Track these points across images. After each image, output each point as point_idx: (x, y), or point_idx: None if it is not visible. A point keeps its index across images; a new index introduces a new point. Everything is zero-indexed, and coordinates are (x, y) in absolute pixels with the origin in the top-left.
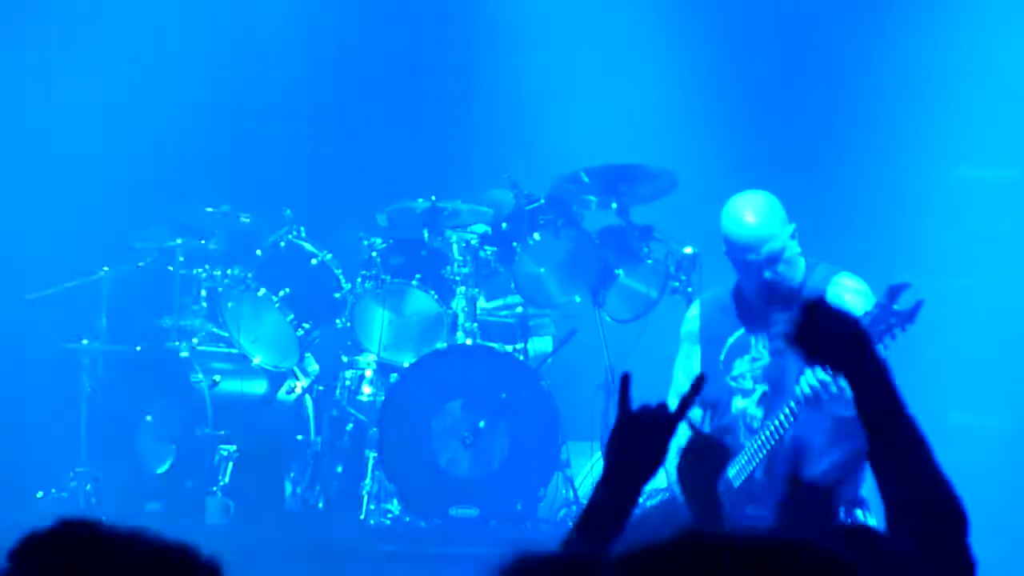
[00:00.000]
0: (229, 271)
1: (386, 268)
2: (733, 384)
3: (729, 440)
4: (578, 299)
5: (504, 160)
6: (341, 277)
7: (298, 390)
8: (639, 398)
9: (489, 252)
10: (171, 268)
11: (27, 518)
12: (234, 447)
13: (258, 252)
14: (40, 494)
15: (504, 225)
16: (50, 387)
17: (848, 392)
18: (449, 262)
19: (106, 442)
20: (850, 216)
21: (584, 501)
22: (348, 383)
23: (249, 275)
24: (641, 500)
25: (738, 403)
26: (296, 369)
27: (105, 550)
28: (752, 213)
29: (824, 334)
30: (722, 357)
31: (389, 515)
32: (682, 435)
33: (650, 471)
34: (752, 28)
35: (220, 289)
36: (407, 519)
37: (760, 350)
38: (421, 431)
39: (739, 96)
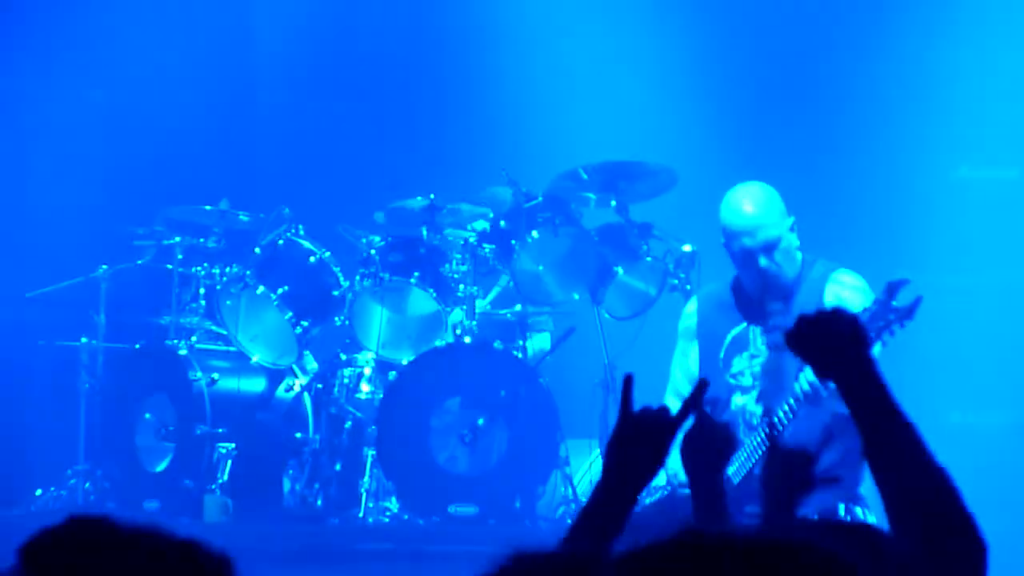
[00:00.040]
0: (228, 269)
1: (385, 266)
2: (732, 381)
3: None
4: (577, 297)
5: (502, 158)
6: (340, 275)
7: (296, 388)
8: (638, 396)
9: (488, 250)
10: (170, 266)
11: (26, 516)
12: (232, 445)
13: (256, 250)
14: (39, 492)
15: (503, 223)
16: (49, 385)
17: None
18: (448, 260)
19: (104, 440)
20: (850, 215)
21: (583, 499)
22: (347, 381)
23: (247, 273)
24: (641, 497)
25: (737, 400)
26: (294, 367)
27: (116, 546)
28: (750, 202)
29: (821, 335)
30: (721, 354)
31: (388, 513)
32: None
33: (650, 474)
34: (753, 26)
35: (218, 287)
36: (406, 517)
37: (759, 347)
38: (420, 429)
39: (739, 94)
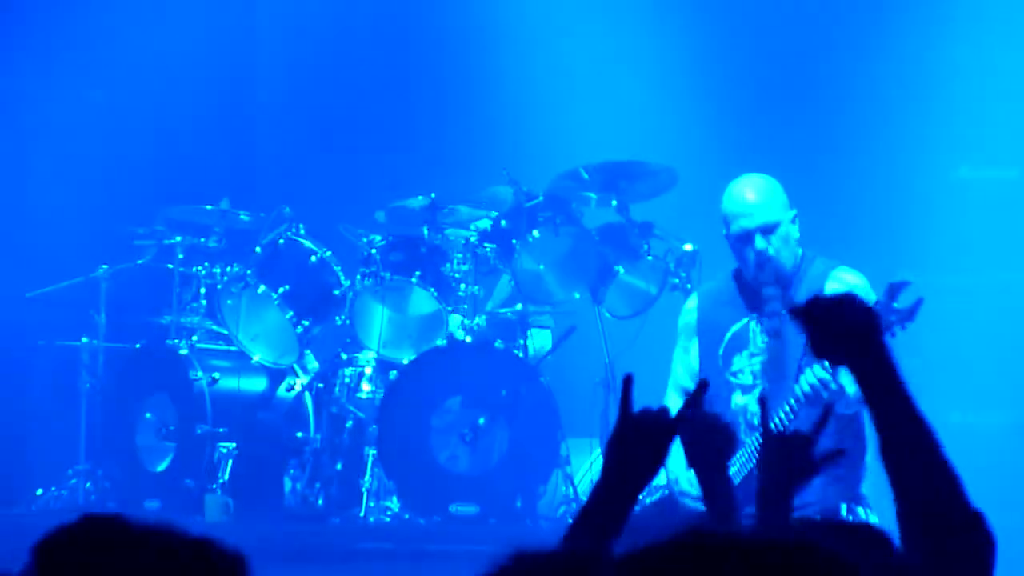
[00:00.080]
0: (228, 268)
1: (385, 265)
2: (732, 380)
3: None
4: (578, 296)
5: (503, 157)
6: (340, 274)
7: (297, 387)
8: (639, 395)
9: (488, 249)
10: (170, 266)
11: (26, 515)
12: (233, 444)
13: (257, 249)
14: (39, 491)
15: (503, 222)
16: (49, 385)
17: (848, 390)
18: (448, 259)
19: (105, 440)
20: (851, 215)
21: (584, 498)
22: (347, 380)
23: (248, 272)
24: (640, 497)
25: (738, 399)
26: (295, 366)
27: (129, 544)
28: (752, 189)
29: (835, 320)
30: (720, 351)
31: (388, 512)
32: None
33: (650, 474)
34: (753, 26)
35: (219, 286)
36: (406, 516)
37: (759, 344)
38: (420, 428)
39: (739, 94)
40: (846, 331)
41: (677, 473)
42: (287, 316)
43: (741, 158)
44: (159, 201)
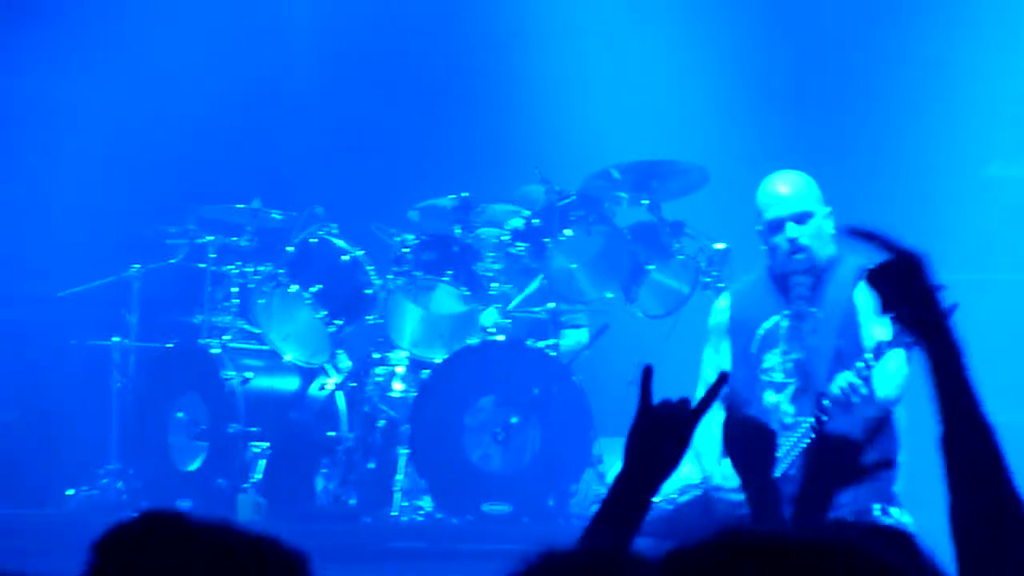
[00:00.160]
0: (260, 268)
1: (417, 264)
2: (764, 378)
3: None
4: (610, 295)
5: (535, 156)
6: (372, 273)
7: (330, 386)
8: (670, 393)
9: (521, 248)
10: (202, 265)
11: (58, 515)
12: (266, 444)
13: (289, 248)
14: (71, 491)
15: (536, 221)
16: (81, 384)
17: (877, 394)
18: (481, 258)
19: (137, 439)
20: (880, 213)
21: None
22: (380, 379)
23: (280, 272)
24: (675, 497)
25: (770, 398)
26: (327, 365)
27: (193, 541)
28: (786, 182)
29: (907, 282)
30: (753, 349)
31: (421, 512)
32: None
33: (670, 466)
34: (782, 26)
35: (251, 286)
36: (439, 516)
37: (791, 342)
38: (453, 427)
39: (769, 93)
40: (923, 293)
41: (711, 469)
42: (319, 315)
43: (771, 157)
44: (191, 200)
